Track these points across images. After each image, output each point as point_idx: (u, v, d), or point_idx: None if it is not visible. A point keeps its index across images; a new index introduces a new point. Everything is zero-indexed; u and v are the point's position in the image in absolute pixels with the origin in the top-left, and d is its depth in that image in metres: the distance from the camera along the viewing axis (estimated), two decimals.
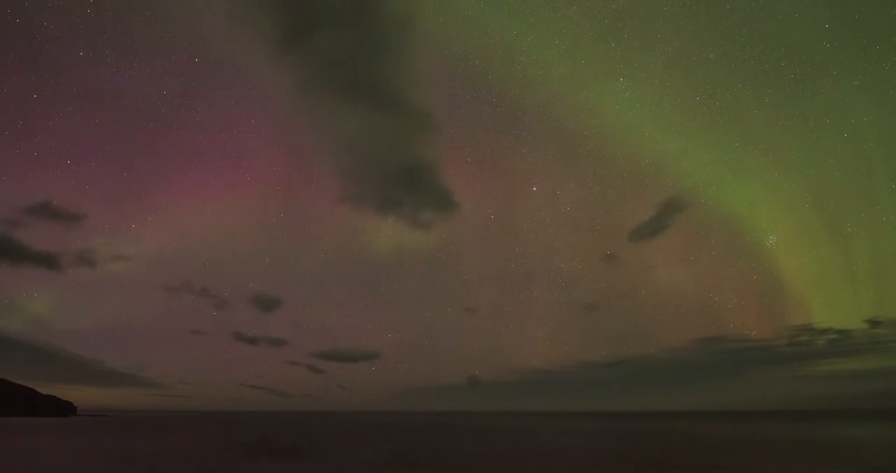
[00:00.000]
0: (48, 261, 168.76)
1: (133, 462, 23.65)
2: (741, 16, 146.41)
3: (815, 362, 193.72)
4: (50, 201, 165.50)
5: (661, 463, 22.60)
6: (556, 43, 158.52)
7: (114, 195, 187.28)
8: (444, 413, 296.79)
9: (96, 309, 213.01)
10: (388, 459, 25.05)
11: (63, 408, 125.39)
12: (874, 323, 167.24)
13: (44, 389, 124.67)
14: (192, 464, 22.73)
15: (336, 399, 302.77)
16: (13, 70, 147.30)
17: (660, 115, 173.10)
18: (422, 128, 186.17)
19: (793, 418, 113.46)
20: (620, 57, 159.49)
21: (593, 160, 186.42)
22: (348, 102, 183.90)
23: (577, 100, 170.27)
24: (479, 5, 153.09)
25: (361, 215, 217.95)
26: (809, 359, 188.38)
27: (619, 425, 77.57)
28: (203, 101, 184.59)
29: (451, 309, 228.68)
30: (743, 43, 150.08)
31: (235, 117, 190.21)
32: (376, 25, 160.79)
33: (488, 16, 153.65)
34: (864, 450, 29.91)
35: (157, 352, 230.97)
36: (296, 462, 24.23)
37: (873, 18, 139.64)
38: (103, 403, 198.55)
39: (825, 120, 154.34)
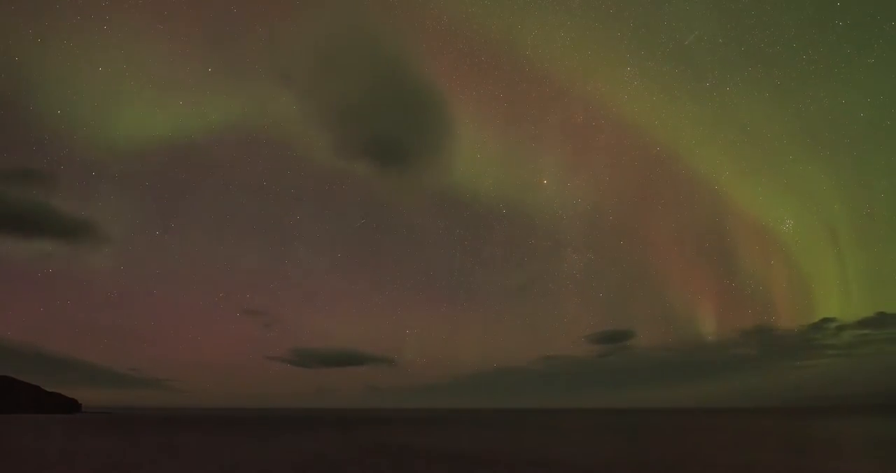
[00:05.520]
0: None
1: None
2: None
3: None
4: None
5: None
6: (562, 35, 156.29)
7: None
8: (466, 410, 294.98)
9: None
10: None
11: (68, 405, 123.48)
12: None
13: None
14: None
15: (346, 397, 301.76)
16: (37, 87, 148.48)
17: (669, 103, 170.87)
18: (429, 126, 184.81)
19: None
20: (627, 46, 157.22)
21: (603, 151, 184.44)
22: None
23: (584, 91, 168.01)
24: (484, 2, 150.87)
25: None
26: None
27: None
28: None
29: (466, 305, 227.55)
30: (752, 25, 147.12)
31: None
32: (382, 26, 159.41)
33: (493, 12, 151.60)
34: None
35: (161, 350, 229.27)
36: None
37: None
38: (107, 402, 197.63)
39: (840, 100, 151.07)
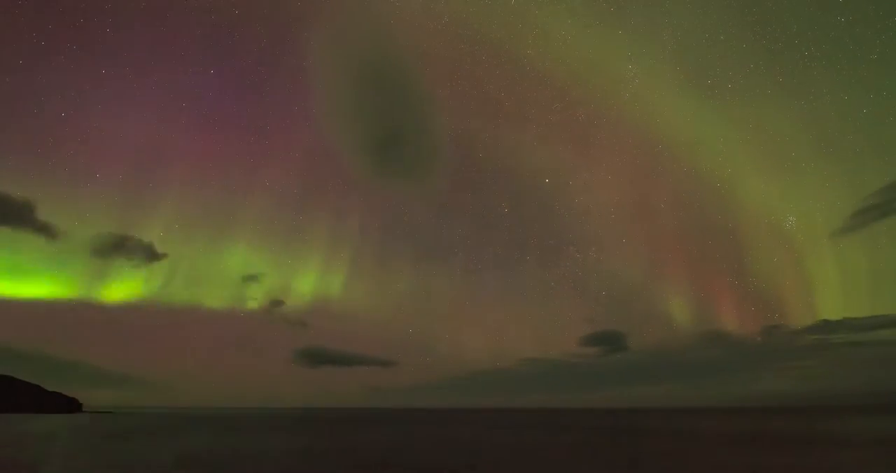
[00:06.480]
0: None
1: None
2: None
3: None
4: None
5: None
6: (563, 34, 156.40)
7: None
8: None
9: None
10: None
11: (69, 405, 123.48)
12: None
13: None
14: None
15: (343, 397, 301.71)
16: (42, 90, 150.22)
17: (671, 101, 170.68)
18: (429, 126, 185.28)
19: None
20: (628, 44, 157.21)
21: (605, 150, 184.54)
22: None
23: (586, 90, 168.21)
24: (484, 2, 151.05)
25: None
26: None
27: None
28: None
29: (467, 304, 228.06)
30: (754, 22, 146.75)
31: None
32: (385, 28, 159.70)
33: (493, 12, 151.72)
34: None
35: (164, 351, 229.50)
36: None
37: None
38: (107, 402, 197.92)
39: (843, 96, 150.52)
